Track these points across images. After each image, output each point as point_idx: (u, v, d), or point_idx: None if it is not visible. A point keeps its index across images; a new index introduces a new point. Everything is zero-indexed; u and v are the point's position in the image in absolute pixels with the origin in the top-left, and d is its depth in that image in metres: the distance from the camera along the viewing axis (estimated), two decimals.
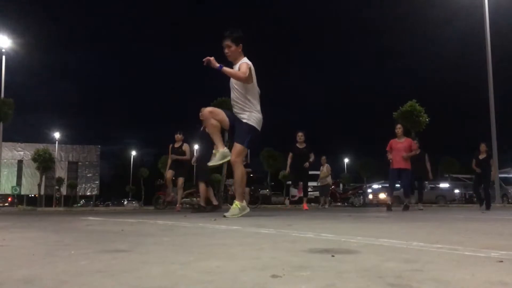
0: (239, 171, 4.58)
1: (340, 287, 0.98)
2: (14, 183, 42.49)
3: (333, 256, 1.43)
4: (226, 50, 4.65)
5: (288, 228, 2.86)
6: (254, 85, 4.61)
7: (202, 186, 7.47)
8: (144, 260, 1.40)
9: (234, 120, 4.63)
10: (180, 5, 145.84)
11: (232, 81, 4.61)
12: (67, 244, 1.96)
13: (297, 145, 9.92)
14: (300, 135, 9.93)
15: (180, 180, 9.69)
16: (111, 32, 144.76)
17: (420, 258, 1.39)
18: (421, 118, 17.75)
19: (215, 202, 7.45)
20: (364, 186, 26.07)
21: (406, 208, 8.23)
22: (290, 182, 24.04)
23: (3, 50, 21.47)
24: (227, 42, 4.64)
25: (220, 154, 4.52)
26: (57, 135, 44.59)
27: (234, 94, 4.63)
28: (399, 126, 8.69)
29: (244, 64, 4.47)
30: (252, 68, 4.55)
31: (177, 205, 9.79)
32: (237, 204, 4.49)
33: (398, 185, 9.17)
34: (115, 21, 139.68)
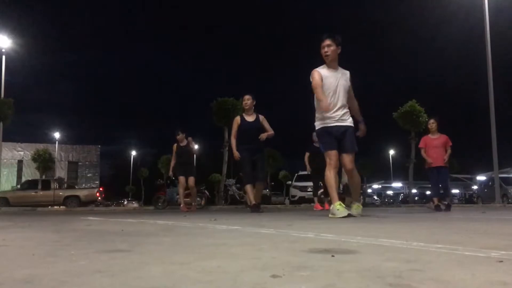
0: (356, 174, 4.79)
1: (340, 287, 0.98)
2: (14, 183, 42.45)
3: (333, 256, 1.43)
4: (326, 49, 4.64)
5: (288, 228, 2.86)
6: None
7: (249, 187, 7.25)
8: (144, 260, 1.40)
9: (338, 133, 4.68)
10: (180, 5, 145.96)
11: (342, 87, 4.67)
12: (67, 244, 1.96)
13: (314, 144, 9.79)
14: (315, 135, 9.78)
15: (191, 180, 9.42)
16: (111, 32, 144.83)
17: (420, 258, 1.39)
18: (421, 118, 17.78)
19: (254, 201, 7.14)
20: (364, 186, 26.09)
21: (448, 207, 7.80)
22: (290, 182, 24.01)
23: (3, 50, 21.43)
24: (328, 42, 4.64)
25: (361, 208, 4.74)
26: (57, 135, 44.55)
27: (342, 100, 4.69)
28: (432, 121, 8.17)
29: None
30: None
31: (193, 204, 9.61)
32: (359, 205, 4.71)
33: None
34: (115, 21, 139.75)
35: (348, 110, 4.74)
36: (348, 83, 4.75)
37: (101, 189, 19.92)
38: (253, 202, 6.87)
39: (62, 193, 17.80)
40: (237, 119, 7.16)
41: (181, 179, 9.47)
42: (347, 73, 4.81)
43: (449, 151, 7.97)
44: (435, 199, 8.11)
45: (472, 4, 18.02)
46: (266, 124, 6.95)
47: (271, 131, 6.95)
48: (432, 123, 8.17)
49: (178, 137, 9.45)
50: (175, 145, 9.55)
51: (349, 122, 4.72)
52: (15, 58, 23.19)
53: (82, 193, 18.31)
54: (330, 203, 4.96)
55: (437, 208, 7.81)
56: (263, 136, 6.83)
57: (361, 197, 14.80)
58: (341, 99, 4.68)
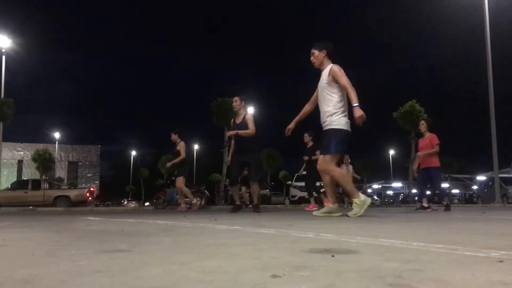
0: (334, 174, 4.63)
1: (340, 287, 0.98)
2: None
3: (333, 256, 1.43)
4: (311, 58, 4.83)
5: (288, 228, 2.86)
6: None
7: (235, 188, 7.26)
8: (144, 260, 1.40)
9: (323, 138, 4.73)
10: (180, 5, 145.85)
11: (321, 89, 4.67)
12: (67, 244, 1.96)
13: (307, 147, 9.76)
14: (304, 136, 9.76)
15: (178, 180, 9.37)
16: (111, 32, 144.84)
17: (420, 258, 1.39)
18: (421, 118, 17.81)
19: (237, 202, 7.25)
20: (364, 186, 26.07)
21: (448, 208, 7.59)
22: (290, 182, 24.01)
23: (3, 50, 21.42)
24: (311, 51, 4.81)
25: (362, 203, 4.45)
26: (57, 135, 44.58)
27: (325, 103, 4.67)
28: (422, 122, 8.19)
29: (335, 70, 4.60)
30: (341, 69, 4.60)
31: (182, 204, 9.58)
32: (355, 201, 4.49)
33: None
34: (115, 21, 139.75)
35: (329, 110, 4.60)
36: (326, 79, 4.62)
37: (92, 189, 19.92)
38: (237, 202, 7.10)
39: (52, 193, 17.83)
40: (231, 122, 7.34)
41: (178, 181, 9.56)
42: (327, 68, 4.67)
43: (435, 149, 7.81)
44: (423, 200, 8.08)
45: (472, 4, 18.04)
46: (249, 123, 6.90)
47: (248, 130, 6.84)
48: (421, 125, 8.17)
49: (171, 137, 9.53)
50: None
51: (327, 124, 4.62)
52: (15, 58, 23.21)
53: (72, 193, 18.33)
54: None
55: (421, 208, 7.79)
56: (229, 133, 6.95)
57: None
58: (322, 103, 4.69)
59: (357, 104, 4.41)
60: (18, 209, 12.35)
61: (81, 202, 17.76)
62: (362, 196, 4.52)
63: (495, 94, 15.83)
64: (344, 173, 4.68)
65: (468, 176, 33.26)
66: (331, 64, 4.67)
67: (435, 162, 7.85)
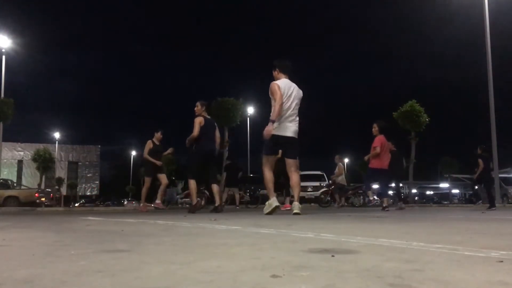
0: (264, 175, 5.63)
1: (340, 287, 0.98)
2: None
3: (333, 256, 1.43)
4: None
5: (288, 228, 2.86)
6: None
7: (214, 187, 7.41)
8: (144, 260, 1.40)
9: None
10: (179, 7, 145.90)
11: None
12: (67, 244, 1.96)
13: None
14: None
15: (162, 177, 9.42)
16: (111, 32, 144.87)
17: (420, 258, 1.39)
18: (421, 118, 17.81)
19: (217, 203, 7.36)
20: (364, 186, 26.08)
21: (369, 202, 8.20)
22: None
23: (3, 50, 21.43)
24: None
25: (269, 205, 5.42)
26: (57, 135, 44.62)
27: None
28: (374, 125, 8.40)
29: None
30: (275, 86, 5.42)
31: (157, 201, 9.48)
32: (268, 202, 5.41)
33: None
34: (115, 21, 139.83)
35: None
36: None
37: (47, 190, 19.95)
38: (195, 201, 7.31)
39: (1, 194, 18.02)
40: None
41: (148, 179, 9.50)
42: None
43: (375, 150, 8.19)
44: (384, 200, 8.39)
45: (472, 4, 18.03)
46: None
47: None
48: (373, 128, 8.39)
49: (158, 134, 9.44)
50: (149, 141, 9.37)
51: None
52: (15, 58, 23.22)
53: (20, 194, 18.47)
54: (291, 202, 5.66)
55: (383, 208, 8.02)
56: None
57: (361, 197, 14.93)
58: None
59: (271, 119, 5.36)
60: (18, 209, 12.37)
61: (30, 203, 17.86)
62: (272, 200, 5.42)
63: (495, 94, 15.84)
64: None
65: (468, 176, 33.19)
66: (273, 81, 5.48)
67: (371, 163, 8.28)
